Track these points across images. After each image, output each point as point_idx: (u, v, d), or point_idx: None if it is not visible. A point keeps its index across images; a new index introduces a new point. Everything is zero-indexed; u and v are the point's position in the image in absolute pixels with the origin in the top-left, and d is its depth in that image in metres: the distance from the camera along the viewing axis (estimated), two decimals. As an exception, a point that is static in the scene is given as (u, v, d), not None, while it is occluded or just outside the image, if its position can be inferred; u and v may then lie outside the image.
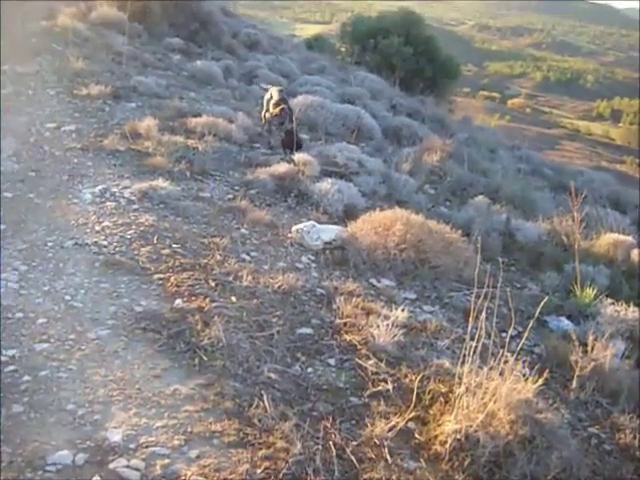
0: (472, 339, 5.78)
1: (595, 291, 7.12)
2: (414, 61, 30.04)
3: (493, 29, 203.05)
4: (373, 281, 6.58)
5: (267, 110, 10.40)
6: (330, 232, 7.11)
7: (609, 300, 6.88)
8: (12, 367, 4.40)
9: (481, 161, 14.36)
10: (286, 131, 9.79)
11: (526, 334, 4.73)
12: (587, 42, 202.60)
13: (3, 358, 4.47)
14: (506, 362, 4.45)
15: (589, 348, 5.57)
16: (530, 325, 4.76)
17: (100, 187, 7.42)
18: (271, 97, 10.39)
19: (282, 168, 8.70)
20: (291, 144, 9.64)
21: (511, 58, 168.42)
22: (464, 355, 5.51)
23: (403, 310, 5.64)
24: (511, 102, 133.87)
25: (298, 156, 9.16)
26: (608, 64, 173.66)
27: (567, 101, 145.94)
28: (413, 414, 4.40)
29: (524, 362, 4.90)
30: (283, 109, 9.99)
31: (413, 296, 6.50)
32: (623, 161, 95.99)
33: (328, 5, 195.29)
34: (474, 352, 4.47)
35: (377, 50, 30.47)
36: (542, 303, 5.06)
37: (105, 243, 6.19)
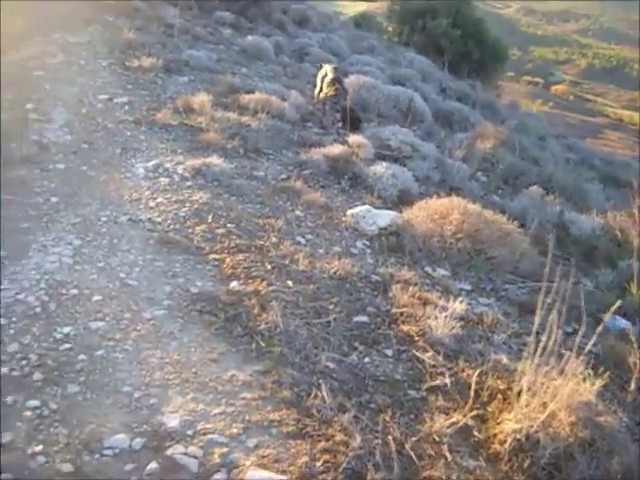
0: (529, 335, 5.71)
1: (651, 289, 6.97)
2: (462, 43, 29.76)
3: (539, 13, 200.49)
4: (428, 270, 6.46)
5: (321, 89, 10.29)
6: (385, 217, 7.00)
7: (668, 299, 6.73)
8: (67, 345, 4.35)
9: (531, 149, 14.16)
10: (342, 108, 9.65)
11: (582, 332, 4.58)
12: (635, 30, 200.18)
13: (58, 335, 4.43)
14: (568, 362, 4.33)
15: (649, 349, 5.43)
16: (587, 322, 4.62)
17: (153, 162, 7.36)
18: (325, 75, 10.28)
19: (336, 149, 8.58)
20: (354, 121, 9.52)
21: (556, 44, 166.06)
22: (520, 351, 5.44)
23: (461, 302, 5.51)
24: (555, 88, 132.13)
25: (352, 138, 9.05)
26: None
27: (612, 89, 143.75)
28: (473, 412, 4.29)
29: (584, 362, 4.74)
30: (337, 89, 9.87)
31: (468, 287, 6.39)
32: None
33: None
34: (535, 350, 4.33)
35: (425, 31, 30.20)
36: (608, 303, 4.96)
37: (159, 220, 6.13)
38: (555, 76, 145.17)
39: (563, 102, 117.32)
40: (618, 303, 5.15)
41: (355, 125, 9.67)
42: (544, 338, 4.42)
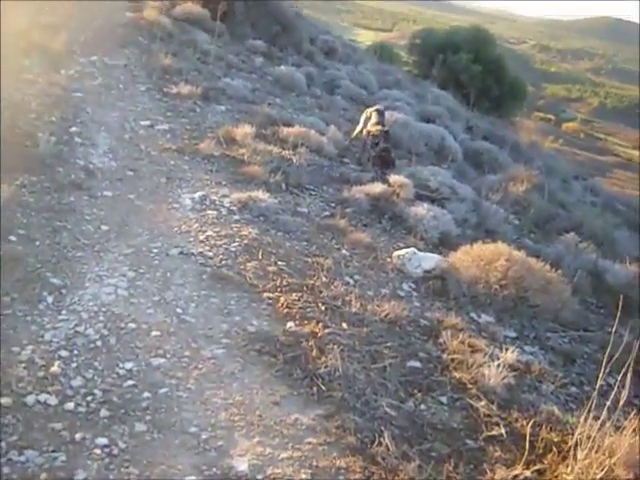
0: (574, 385, 5.73)
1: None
2: (482, 79, 29.89)
3: (553, 50, 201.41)
4: (473, 315, 6.49)
5: (363, 128, 10.35)
6: (430, 260, 7.03)
7: None
8: (131, 382, 4.38)
9: (557, 191, 14.20)
10: (382, 148, 9.70)
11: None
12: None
13: (121, 371, 4.46)
14: (625, 418, 4.36)
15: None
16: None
17: (199, 193, 7.40)
18: (369, 117, 10.32)
19: (377, 188, 8.62)
20: (386, 162, 9.56)
21: (569, 81, 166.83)
22: (567, 401, 5.46)
23: (513, 352, 5.53)
24: (566, 125, 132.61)
25: (394, 177, 9.08)
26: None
27: (622, 129, 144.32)
28: (536, 465, 4.30)
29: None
30: (382, 131, 9.92)
31: (513, 334, 6.41)
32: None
33: (389, 13, 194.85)
34: (590, 404, 4.34)
35: (445, 65, 30.32)
36: None
37: (210, 254, 6.16)
38: (567, 113, 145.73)
39: (573, 139, 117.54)
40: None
41: (389, 165, 9.70)
42: (589, 389, 4.44)
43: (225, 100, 11.36)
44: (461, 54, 30.42)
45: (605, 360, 4.39)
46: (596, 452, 4.17)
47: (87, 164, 7.52)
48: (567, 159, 37.69)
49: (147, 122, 9.29)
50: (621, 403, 4.25)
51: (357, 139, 10.57)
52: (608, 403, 4.35)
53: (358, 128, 10.62)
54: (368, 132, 9.95)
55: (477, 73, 29.80)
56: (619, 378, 4.37)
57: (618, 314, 4.90)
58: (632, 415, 4.37)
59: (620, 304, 6.97)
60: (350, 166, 10.09)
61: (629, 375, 4.30)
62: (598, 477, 4.08)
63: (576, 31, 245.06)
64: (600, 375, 4.43)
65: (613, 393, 4.39)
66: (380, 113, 10.36)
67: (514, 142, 18.41)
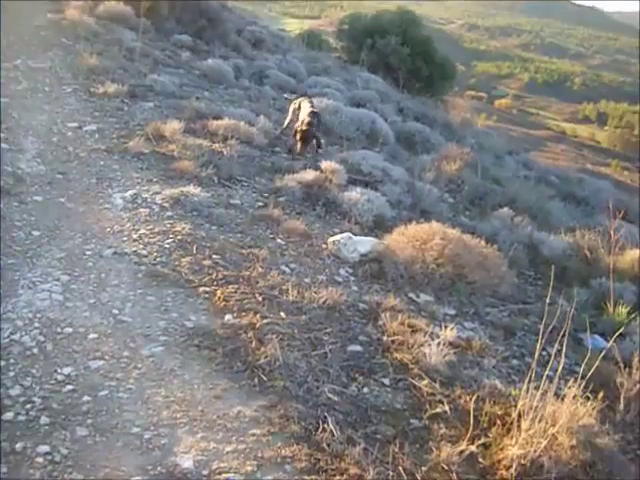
0: (515, 358, 5.79)
1: (627, 308, 7.09)
2: (411, 61, 29.99)
3: (482, 29, 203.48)
4: (412, 296, 6.52)
5: (292, 121, 10.29)
6: (366, 244, 7.05)
7: (644, 318, 6.84)
8: (70, 387, 4.34)
9: (490, 168, 14.32)
10: (306, 124, 9.71)
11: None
12: (575, 45, 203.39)
13: (59, 377, 4.42)
14: (565, 386, 4.42)
15: (633, 369, 5.51)
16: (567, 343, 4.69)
17: (130, 192, 7.33)
18: (299, 107, 10.26)
19: (309, 176, 8.62)
20: (305, 138, 9.67)
21: (499, 58, 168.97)
22: (509, 374, 5.52)
23: (452, 329, 5.57)
24: (498, 102, 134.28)
25: (325, 164, 9.06)
26: (594, 67, 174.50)
27: (554, 103, 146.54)
28: (480, 439, 4.34)
29: (579, 385, 4.80)
30: (310, 112, 9.88)
31: (452, 312, 6.46)
32: (608, 164, 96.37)
33: (318, 2, 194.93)
34: (530, 375, 4.39)
35: (374, 50, 30.37)
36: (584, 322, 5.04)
37: (145, 252, 6.11)
38: (498, 90, 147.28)
39: (507, 116, 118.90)
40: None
41: (308, 141, 9.69)
42: (530, 360, 4.49)
43: (153, 97, 11.24)
44: (389, 37, 30.42)
45: (542, 330, 4.43)
46: (539, 422, 4.23)
47: (15, 170, 7.41)
48: (501, 135, 38.01)
49: (75, 124, 9.17)
50: (559, 371, 4.31)
51: (287, 129, 10.50)
52: (548, 372, 4.40)
53: (287, 119, 10.56)
54: (302, 121, 9.86)
55: (406, 55, 29.83)
56: (556, 347, 4.43)
57: (551, 284, 4.94)
58: (571, 382, 4.41)
59: (555, 274, 7.08)
60: (282, 155, 10.05)
61: (565, 343, 4.34)
62: (542, 446, 4.13)
63: (503, 9, 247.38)
64: (538, 346, 4.48)
65: (551, 362, 4.45)
66: (310, 104, 10.27)
67: (446, 122, 18.51)
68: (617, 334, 5.07)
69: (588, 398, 4.45)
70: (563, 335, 5.65)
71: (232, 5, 30.39)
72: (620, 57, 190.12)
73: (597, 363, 4.63)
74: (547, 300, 4.87)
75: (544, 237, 9.01)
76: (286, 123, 10.61)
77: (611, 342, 5.16)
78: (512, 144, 30.70)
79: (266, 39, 22.09)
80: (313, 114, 9.93)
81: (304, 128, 9.61)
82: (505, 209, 10.02)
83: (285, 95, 14.87)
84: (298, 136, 9.71)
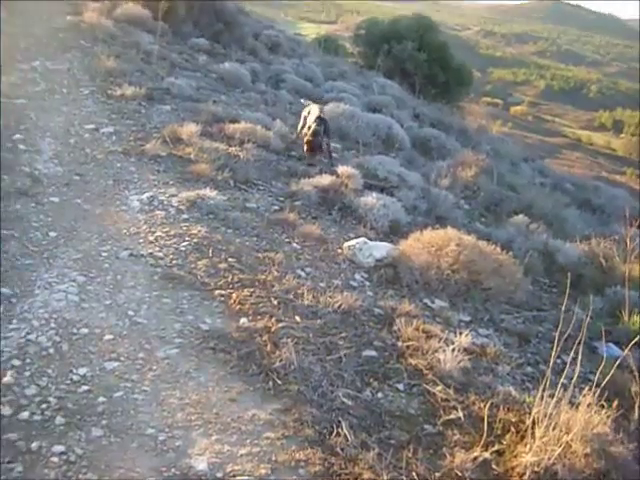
0: (530, 365, 5.78)
1: (641, 317, 7.08)
2: (427, 67, 29.99)
3: (498, 35, 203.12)
4: (427, 301, 6.53)
5: (303, 127, 10.27)
6: (381, 249, 7.05)
7: (659, 328, 6.82)
8: (85, 387, 4.36)
9: (506, 174, 14.31)
10: (313, 132, 9.70)
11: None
12: (591, 52, 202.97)
13: (75, 377, 4.43)
14: (581, 393, 4.42)
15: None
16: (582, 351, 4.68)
17: (147, 194, 7.35)
18: (309, 113, 10.19)
19: (325, 180, 8.63)
20: (312, 147, 9.65)
21: (515, 65, 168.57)
22: (524, 381, 5.51)
23: (467, 335, 5.57)
24: (514, 109, 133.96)
25: (342, 169, 9.07)
26: (611, 75, 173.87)
27: (569, 110, 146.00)
28: (494, 446, 4.34)
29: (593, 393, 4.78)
30: (313, 140, 9.79)
31: (467, 318, 6.46)
32: (623, 172, 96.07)
33: (333, 5, 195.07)
34: (545, 383, 4.38)
35: (390, 55, 30.38)
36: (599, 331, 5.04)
37: (161, 255, 6.13)
38: (514, 97, 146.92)
39: (522, 123, 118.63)
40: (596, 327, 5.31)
41: (315, 150, 9.65)
42: (544, 367, 4.48)
43: (170, 100, 11.28)
44: (405, 43, 30.43)
45: (557, 338, 4.43)
46: (553, 429, 4.22)
47: (32, 171, 7.45)
48: (516, 142, 37.98)
49: (92, 125, 9.20)
50: (574, 379, 4.30)
51: (300, 134, 10.47)
52: (563, 380, 4.39)
53: (300, 125, 10.51)
54: (309, 128, 9.82)
55: (422, 61, 29.83)
56: (571, 355, 4.42)
57: (567, 292, 4.94)
58: (586, 390, 4.41)
59: (570, 282, 7.05)
60: (298, 160, 10.06)
61: (580, 351, 4.33)
62: (556, 453, 4.13)
63: (519, 15, 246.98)
64: (553, 353, 4.48)
65: (566, 370, 4.45)
66: (319, 113, 10.15)
67: (461, 128, 18.49)
68: (633, 343, 5.04)
69: (603, 406, 4.43)
70: (578, 343, 5.65)
71: (249, 9, 30.42)
72: (636, 65, 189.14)
73: (612, 371, 4.61)
74: (562, 308, 4.86)
75: (560, 245, 9.00)
76: (299, 128, 10.57)
77: (626, 351, 5.13)
78: (527, 151, 30.69)
79: (282, 43, 22.11)
80: (320, 121, 9.86)
81: (310, 138, 9.60)
82: (521, 216, 10.01)
83: (302, 100, 14.84)
84: (305, 147, 9.70)
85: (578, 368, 4.41)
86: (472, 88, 44.95)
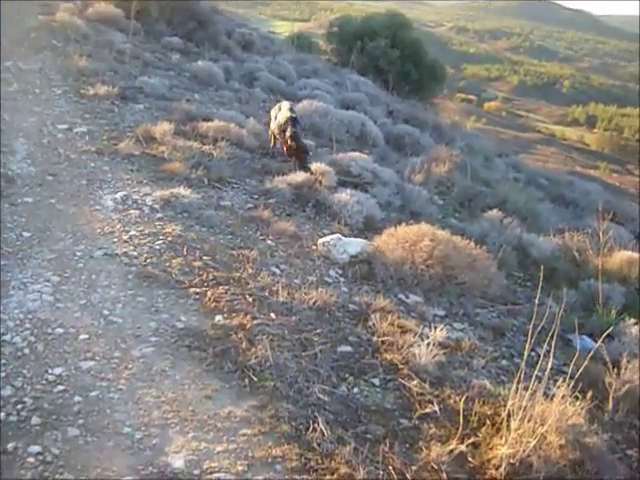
0: (505, 358, 5.82)
1: (615, 309, 7.13)
2: (400, 64, 30.01)
3: (471, 32, 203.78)
4: (402, 296, 6.56)
5: (278, 128, 10.09)
6: (356, 245, 7.07)
7: (632, 320, 6.87)
8: (61, 387, 4.36)
9: (480, 170, 14.36)
10: (290, 136, 9.50)
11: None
12: (564, 48, 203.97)
13: (50, 377, 4.43)
14: (555, 385, 4.45)
15: (621, 369, 5.54)
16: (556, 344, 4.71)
17: (121, 193, 7.34)
18: (279, 109, 10.04)
19: (299, 177, 8.64)
20: (298, 152, 9.49)
21: (488, 61, 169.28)
22: (499, 374, 5.54)
23: (441, 330, 5.59)
24: (487, 105, 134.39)
25: (315, 166, 9.06)
26: (584, 70, 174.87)
27: (543, 105, 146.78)
28: (470, 439, 4.37)
29: (567, 385, 4.82)
30: (289, 118, 9.65)
31: (442, 313, 6.49)
32: (597, 166, 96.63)
33: (307, 4, 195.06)
34: (519, 375, 4.41)
35: (364, 52, 30.38)
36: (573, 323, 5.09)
37: (135, 254, 6.12)
38: (487, 93, 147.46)
39: (496, 118, 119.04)
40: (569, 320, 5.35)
41: (302, 154, 9.52)
42: (519, 360, 4.51)
43: (143, 99, 11.26)
44: (378, 40, 30.42)
45: (530, 331, 4.46)
46: (528, 421, 4.25)
47: (6, 171, 7.44)
48: (491, 138, 38.11)
49: (65, 125, 9.20)
50: (546, 371, 4.33)
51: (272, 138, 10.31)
52: (537, 373, 4.43)
53: (272, 124, 10.31)
54: (279, 127, 9.69)
55: (395, 58, 29.81)
56: (545, 348, 4.46)
57: (539, 285, 4.97)
58: (560, 382, 4.44)
59: (544, 276, 7.10)
60: (272, 157, 10.06)
61: (554, 344, 4.36)
62: (531, 445, 4.15)
63: (492, 12, 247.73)
64: (527, 346, 4.50)
65: (540, 363, 4.48)
66: (290, 110, 9.99)
67: (435, 124, 18.49)
68: (604, 335, 5.08)
69: (577, 398, 4.47)
70: (552, 336, 5.69)
71: (222, 8, 30.40)
72: (609, 60, 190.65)
73: (585, 363, 4.64)
74: (536, 301, 4.90)
75: (533, 239, 9.05)
76: (272, 127, 10.39)
77: (599, 342, 5.17)
78: (502, 147, 30.81)
79: (256, 41, 22.08)
80: (293, 121, 9.72)
81: (292, 144, 9.47)
82: (494, 211, 10.05)
83: (277, 98, 14.84)
84: (292, 153, 9.56)
85: (551, 361, 4.47)
86: (446, 84, 45.08)
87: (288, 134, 9.46)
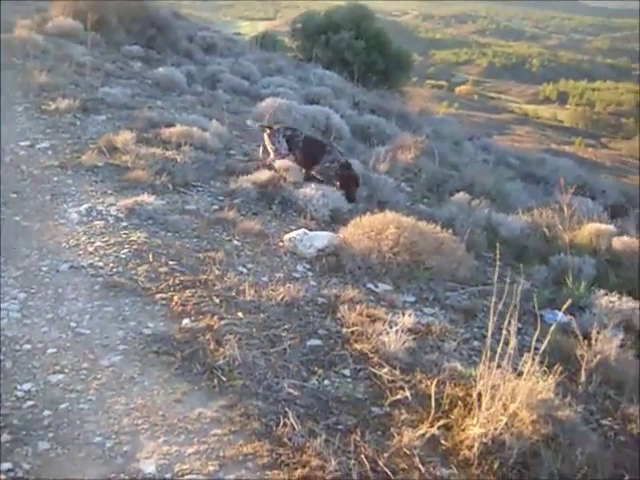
0: (476, 339, 5.85)
1: (586, 282, 7.18)
2: (366, 55, 30.07)
3: (437, 18, 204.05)
4: (371, 286, 6.58)
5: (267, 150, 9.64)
6: (322, 239, 7.09)
7: (602, 291, 6.92)
8: (30, 402, 4.34)
9: (449, 154, 14.41)
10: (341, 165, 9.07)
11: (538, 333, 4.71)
12: (531, 27, 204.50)
13: (19, 393, 4.41)
14: (523, 362, 4.48)
15: (592, 341, 5.59)
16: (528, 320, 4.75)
17: (85, 206, 7.33)
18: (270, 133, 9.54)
19: (264, 176, 8.63)
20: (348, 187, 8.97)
21: (456, 46, 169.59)
22: (471, 356, 5.58)
23: (410, 316, 5.63)
24: (458, 89, 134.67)
25: (279, 162, 9.07)
26: (551, 47, 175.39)
27: (514, 86, 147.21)
28: (440, 421, 4.40)
29: (537, 360, 4.85)
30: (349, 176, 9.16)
31: (412, 299, 6.51)
32: (572, 142, 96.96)
33: (271, 3, 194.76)
34: (487, 354, 4.44)
35: (329, 46, 30.44)
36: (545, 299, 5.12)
37: (101, 264, 6.12)
38: (457, 77, 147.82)
39: (468, 102, 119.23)
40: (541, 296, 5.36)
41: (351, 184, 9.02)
42: (492, 340, 4.54)
43: (105, 109, 11.24)
44: (343, 33, 30.50)
45: (493, 309, 4.50)
46: (499, 400, 4.27)
47: (-31, 191, 7.41)
48: (464, 122, 38.20)
49: (27, 142, 9.18)
50: (510, 347, 4.36)
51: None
52: (510, 351, 4.44)
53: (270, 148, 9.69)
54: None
55: (360, 49, 29.93)
56: (514, 325, 4.48)
57: (497, 263, 5.01)
58: (524, 358, 4.47)
59: (515, 254, 7.17)
60: (236, 157, 10.05)
61: (513, 322, 4.39)
62: (503, 423, 4.19)
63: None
64: (490, 325, 4.54)
65: (512, 340, 4.50)
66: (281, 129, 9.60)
67: (402, 112, 18.49)
68: (566, 305, 5.12)
69: (547, 372, 4.50)
70: (524, 313, 5.74)
71: (186, 12, 30.37)
72: (576, 36, 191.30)
73: (551, 337, 4.65)
74: (509, 280, 4.93)
75: (502, 218, 9.09)
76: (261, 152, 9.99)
77: (561, 312, 5.20)
78: (475, 130, 30.87)
79: (218, 43, 22.07)
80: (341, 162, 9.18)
81: (345, 174, 8.99)
82: (461, 193, 10.09)
83: (240, 99, 14.86)
84: (343, 184, 8.99)
85: (515, 338, 4.50)
86: (415, 72, 45.17)
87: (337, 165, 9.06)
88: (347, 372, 5.01)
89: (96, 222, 6.99)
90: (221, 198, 8.26)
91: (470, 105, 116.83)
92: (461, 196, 9.95)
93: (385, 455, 4.11)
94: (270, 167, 9.05)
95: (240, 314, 5.50)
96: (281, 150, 9.40)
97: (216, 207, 7.94)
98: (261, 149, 9.92)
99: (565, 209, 8.20)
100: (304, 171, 9.10)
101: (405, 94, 34.45)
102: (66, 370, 4.67)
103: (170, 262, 6.27)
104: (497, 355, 4.44)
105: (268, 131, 9.57)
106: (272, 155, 9.43)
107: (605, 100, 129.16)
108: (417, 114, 20.73)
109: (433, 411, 4.45)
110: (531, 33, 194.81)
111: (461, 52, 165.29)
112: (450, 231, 7.57)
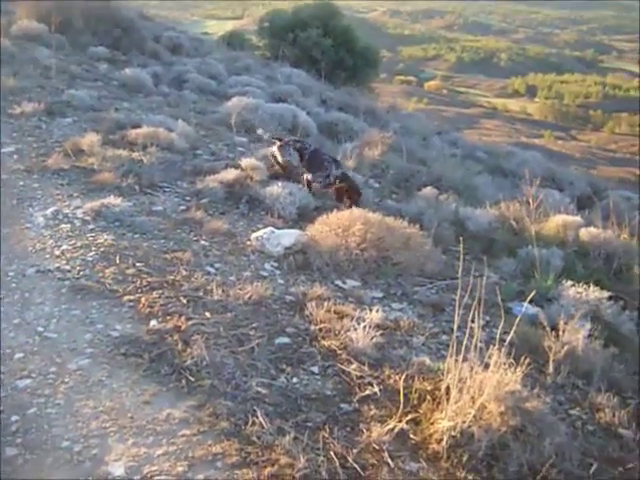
0: (445, 333, 5.88)
1: (553, 274, 7.23)
2: (334, 52, 30.07)
3: (404, 14, 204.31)
4: (339, 283, 6.60)
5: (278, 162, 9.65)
6: (290, 237, 7.09)
7: (569, 282, 6.97)
8: (-2, 408, 4.32)
9: (417, 150, 14.44)
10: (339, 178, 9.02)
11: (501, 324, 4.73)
12: (498, 21, 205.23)
13: (-14, 400, 4.40)
14: (490, 355, 4.50)
15: (560, 332, 5.64)
16: (496, 313, 4.78)
17: (51, 209, 7.30)
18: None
19: (230, 175, 8.62)
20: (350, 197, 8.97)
21: (424, 41, 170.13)
22: (439, 350, 5.61)
23: (377, 311, 5.66)
24: (427, 85, 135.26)
25: (245, 161, 9.06)
26: (519, 41, 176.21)
27: (482, 80, 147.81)
28: (408, 416, 4.42)
29: (504, 353, 4.88)
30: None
31: (380, 295, 6.54)
32: (541, 135, 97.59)
33: (239, 3, 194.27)
34: (454, 347, 4.47)
35: (296, 44, 30.41)
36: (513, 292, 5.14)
37: (68, 268, 6.10)
38: (426, 73, 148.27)
39: (437, 97, 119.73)
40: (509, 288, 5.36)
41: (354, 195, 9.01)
42: (460, 334, 4.57)
43: (71, 112, 11.17)
44: (310, 30, 30.48)
45: (459, 302, 4.53)
46: (467, 392, 4.30)
47: None
48: (433, 117, 38.33)
49: (-8, 147, 9.12)
50: (475, 339, 4.39)
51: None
52: (479, 344, 4.47)
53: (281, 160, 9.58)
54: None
55: (328, 47, 29.89)
56: (480, 318, 4.51)
57: (462, 257, 5.04)
58: (497, 350, 4.49)
59: (483, 247, 7.21)
60: (203, 157, 10.03)
61: (478, 316, 4.42)
62: (471, 416, 4.21)
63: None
64: (456, 318, 4.57)
65: (479, 333, 4.53)
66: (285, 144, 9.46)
67: (370, 109, 18.51)
68: (531, 296, 5.17)
69: (514, 364, 4.54)
70: (492, 306, 5.77)
71: (153, 13, 30.24)
72: (543, 29, 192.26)
73: (518, 329, 4.70)
74: (477, 274, 4.96)
75: (469, 212, 9.12)
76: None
77: (528, 304, 5.24)
78: (444, 125, 30.97)
79: (184, 43, 21.94)
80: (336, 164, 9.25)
81: (343, 185, 9.00)
82: (429, 188, 10.12)
83: (207, 98, 14.81)
84: (342, 194, 9.03)
85: (478, 330, 4.52)
86: (384, 68, 45.21)
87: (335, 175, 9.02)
88: (316, 369, 5.02)
89: (62, 225, 6.96)
90: (188, 198, 8.24)
91: (440, 100, 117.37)
92: (429, 191, 9.97)
93: (354, 451, 4.14)
94: (237, 166, 9.00)
95: (208, 314, 5.51)
96: (293, 162, 9.36)
97: (183, 207, 7.92)
98: (271, 160, 9.76)
99: (531, 202, 8.24)
100: (307, 183, 9.03)
101: (374, 91, 34.50)
102: (33, 375, 4.66)
103: (137, 264, 6.26)
104: (464, 348, 4.47)
105: (278, 143, 9.51)
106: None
107: (573, 93, 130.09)
108: (386, 110, 20.76)
109: (402, 406, 4.49)
110: (499, 27, 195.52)
111: (429, 48, 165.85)
112: (418, 226, 7.59)
